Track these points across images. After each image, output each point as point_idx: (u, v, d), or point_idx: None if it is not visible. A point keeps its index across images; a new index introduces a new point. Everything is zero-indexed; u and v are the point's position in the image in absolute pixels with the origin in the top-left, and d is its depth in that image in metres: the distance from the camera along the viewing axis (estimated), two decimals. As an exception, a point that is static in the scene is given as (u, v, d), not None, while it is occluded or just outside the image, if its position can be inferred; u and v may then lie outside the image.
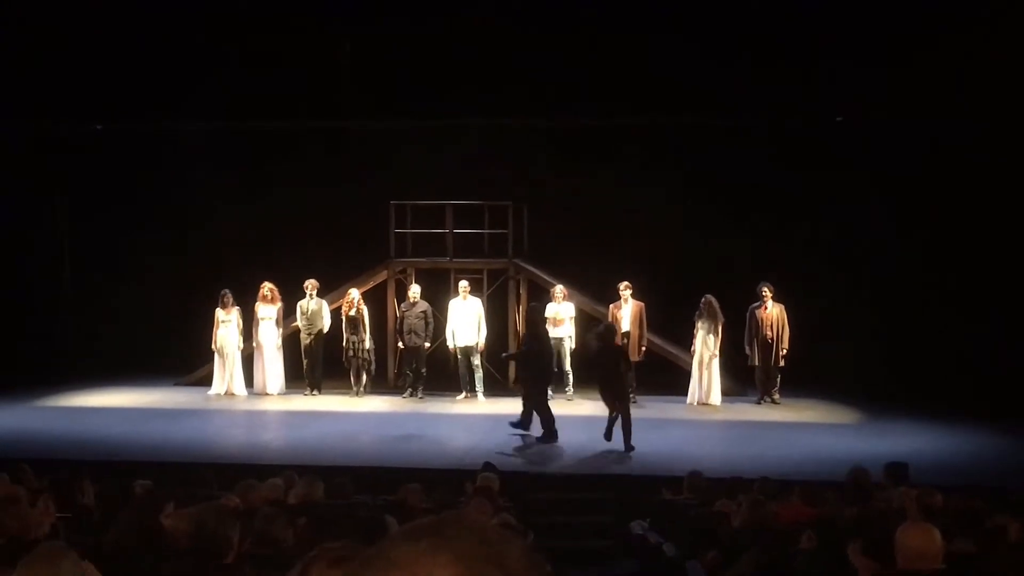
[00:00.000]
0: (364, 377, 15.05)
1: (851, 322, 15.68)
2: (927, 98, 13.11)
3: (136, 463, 10.46)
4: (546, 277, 15.33)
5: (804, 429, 13.08)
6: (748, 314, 14.38)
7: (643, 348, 14.56)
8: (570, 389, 14.73)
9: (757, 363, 14.46)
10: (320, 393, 15.15)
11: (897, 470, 8.23)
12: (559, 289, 14.72)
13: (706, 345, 14.37)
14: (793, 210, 16.49)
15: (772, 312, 14.30)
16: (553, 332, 14.60)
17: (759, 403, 14.43)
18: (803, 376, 15.03)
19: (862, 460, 8.87)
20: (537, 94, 13.63)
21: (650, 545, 8.17)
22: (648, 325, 14.67)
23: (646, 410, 14.21)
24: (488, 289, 15.48)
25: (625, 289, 14.51)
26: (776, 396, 14.39)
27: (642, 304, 14.52)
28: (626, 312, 14.45)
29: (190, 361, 16.21)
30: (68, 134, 15.65)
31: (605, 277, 15.15)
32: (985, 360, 13.80)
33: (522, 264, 15.55)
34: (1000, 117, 13.22)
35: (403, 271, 15.71)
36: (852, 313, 15.71)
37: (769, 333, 14.27)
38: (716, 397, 14.40)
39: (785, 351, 14.29)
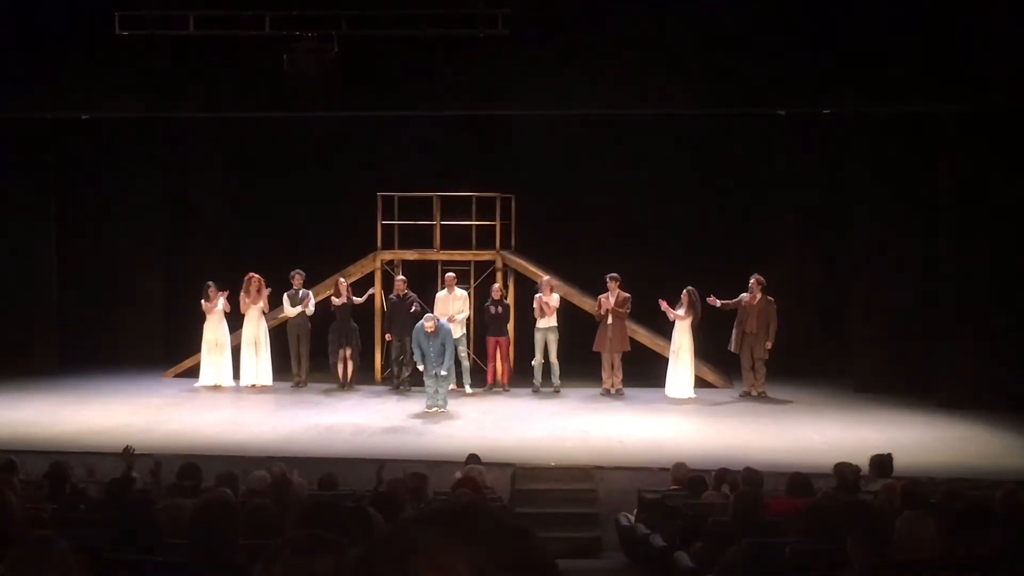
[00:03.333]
0: (351, 368, 15.07)
1: (843, 313, 15.72)
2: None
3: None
4: (534, 269, 15.33)
5: (791, 421, 13.11)
6: (738, 302, 14.43)
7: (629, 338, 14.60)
8: (557, 380, 14.75)
9: (738, 351, 14.48)
10: (306, 385, 15.13)
11: (882, 462, 8.27)
12: (547, 280, 14.76)
13: (686, 337, 14.38)
14: (786, 203, 16.54)
15: (758, 304, 14.32)
16: (541, 323, 14.66)
17: (742, 396, 14.43)
18: (789, 367, 15.09)
19: (848, 452, 8.92)
20: (527, 85, 13.59)
21: (638, 536, 8.20)
22: (634, 317, 14.71)
23: (631, 401, 14.26)
24: (476, 281, 15.47)
25: (611, 280, 14.56)
26: (762, 389, 14.40)
27: (628, 295, 14.54)
28: (612, 303, 14.49)
29: (176, 353, 16.16)
30: (53, 122, 15.54)
31: (593, 268, 15.16)
32: (976, 351, 13.83)
33: (510, 255, 15.55)
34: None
35: (390, 263, 15.69)
36: (843, 303, 15.73)
37: (752, 325, 14.30)
38: (687, 390, 14.39)
39: (769, 346, 14.29)
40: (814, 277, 16.18)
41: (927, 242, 14.48)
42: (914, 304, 14.63)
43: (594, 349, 14.68)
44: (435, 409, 13.35)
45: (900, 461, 8.58)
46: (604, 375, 14.70)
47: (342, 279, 15.11)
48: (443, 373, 13.41)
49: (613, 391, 14.60)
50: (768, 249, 16.55)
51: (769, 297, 14.37)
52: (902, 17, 12.84)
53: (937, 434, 12.33)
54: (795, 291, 15.89)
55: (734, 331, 14.44)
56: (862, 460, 8.36)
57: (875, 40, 12.90)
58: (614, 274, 14.60)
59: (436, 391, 13.41)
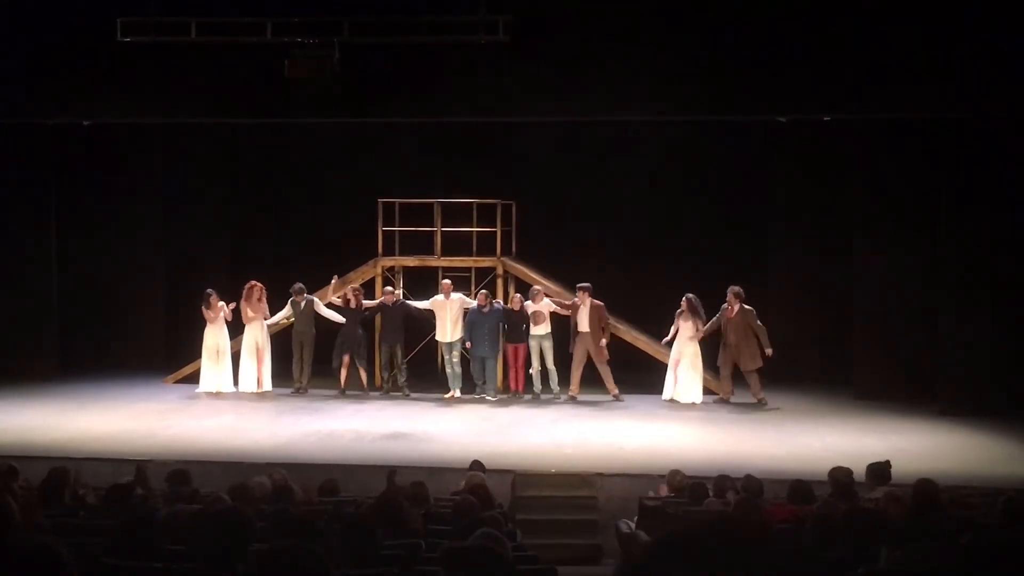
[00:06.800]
0: (357, 375, 15.09)
1: (843, 320, 15.70)
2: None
3: (122, 461, 10.44)
4: (534, 275, 15.34)
5: (791, 428, 13.08)
6: (718, 319, 14.41)
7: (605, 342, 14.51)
8: (556, 387, 14.75)
9: (720, 364, 14.46)
10: (307, 391, 15.13)
11: (880, 470, 8.24)
12: (536, 289, 14.80)
13: (688, 343, 14.37)
14: (787, 210, 16.53)
15: (736, 317, 14.28)
16: (535, 331, 14.67)
17: (716, 403, 14.40)
18: (790, 375, 15.08)
19: (849, 459, 8.90)
20: (528, 91, 13.60)
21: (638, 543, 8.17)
22: (632, 323, 14.70)
23: (631, 408, 14.25)
24: (477, 287, 15.46)
25: (580, 291, 14.52)
26: (761, 396, 14.36)
27: (601, 303, 14.47)
28: (583, 313, 14.47)
29: (177, 359, 16.16)
30: (55, 128, 15.55)
31: (594, 275, 15.15)
32: (976, 358, 13.82)
33: (510, 262, 15.55)
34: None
35: (391, 269, 15.70)
36: (843, 310, 15.71)
37: (731, 337, 14.29)
38: (690, 395, 14.37)
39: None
40: (814, 283, 16.15)
41: (927, 249, 14.48)
42: (915, 311, 14.62)
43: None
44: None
45: (902, 468, 8.56)
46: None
47: (351, 285, 15.16)
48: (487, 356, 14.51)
49: (612, 397, 14.60)
50: (769, 255, 16.55)
51: (747, 307, 14.33)
52: (903, 22, 12.86)
53: (938, 441, 12.31)
54: (795, 298, 15.89)
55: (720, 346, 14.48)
56: (862, 467, 8.34)
57: (876, 45, 12.91)
58: (584, 284, 14.56)
59: (480, 379, 14.59)
